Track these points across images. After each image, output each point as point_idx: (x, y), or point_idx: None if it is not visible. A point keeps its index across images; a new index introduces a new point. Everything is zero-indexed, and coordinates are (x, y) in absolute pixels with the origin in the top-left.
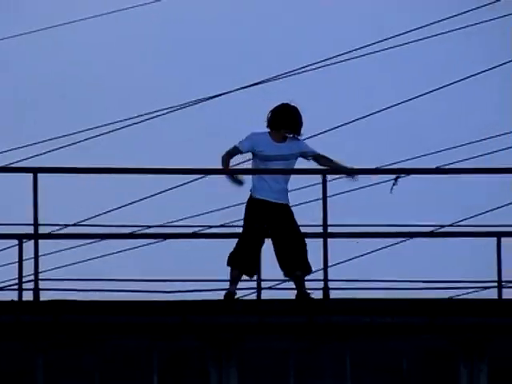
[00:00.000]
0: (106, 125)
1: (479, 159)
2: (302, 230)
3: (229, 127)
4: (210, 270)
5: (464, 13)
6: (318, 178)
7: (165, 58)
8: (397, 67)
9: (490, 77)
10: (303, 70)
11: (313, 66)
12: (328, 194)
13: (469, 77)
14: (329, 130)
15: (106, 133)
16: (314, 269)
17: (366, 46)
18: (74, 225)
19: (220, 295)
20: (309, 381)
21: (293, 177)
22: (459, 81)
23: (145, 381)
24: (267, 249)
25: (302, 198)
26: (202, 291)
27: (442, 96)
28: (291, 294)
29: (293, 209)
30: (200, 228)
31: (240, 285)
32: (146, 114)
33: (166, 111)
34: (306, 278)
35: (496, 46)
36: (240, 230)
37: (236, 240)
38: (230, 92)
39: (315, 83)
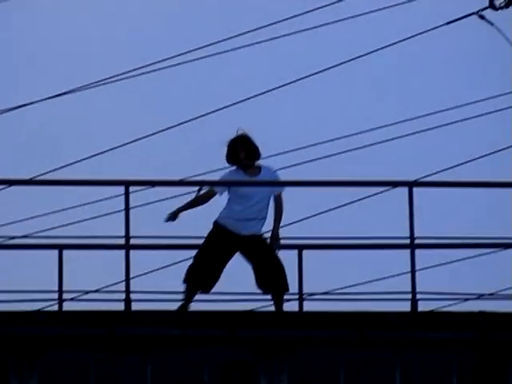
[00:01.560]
0: None
1: None
2: (104, 241)
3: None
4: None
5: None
6: None
7: None
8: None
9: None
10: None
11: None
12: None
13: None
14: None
15: None
16: (116, 280)
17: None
18: None
19: (22, 306)
20: None
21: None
22: None
23: None
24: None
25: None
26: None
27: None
28: (93, 306)
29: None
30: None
31: (41, 296)
32: None
33: None
34: None
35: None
36: None
37: None
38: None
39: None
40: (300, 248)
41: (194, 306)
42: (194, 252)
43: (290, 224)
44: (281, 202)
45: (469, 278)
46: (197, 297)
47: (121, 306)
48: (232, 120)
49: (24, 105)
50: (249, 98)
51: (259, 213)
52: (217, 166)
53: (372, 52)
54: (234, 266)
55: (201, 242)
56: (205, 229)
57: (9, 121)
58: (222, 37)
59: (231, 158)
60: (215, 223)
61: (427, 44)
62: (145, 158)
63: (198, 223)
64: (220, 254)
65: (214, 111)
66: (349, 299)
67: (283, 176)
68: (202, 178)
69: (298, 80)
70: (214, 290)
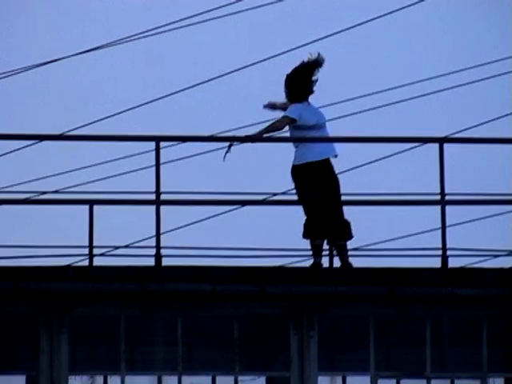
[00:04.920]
0: None
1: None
2: (136, 197)
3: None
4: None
5: None
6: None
7: None
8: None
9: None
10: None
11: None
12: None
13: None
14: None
15: None
16: (146, 235)
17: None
18: None
19: (53, 261)
20: (141, 347)
21: None
22: None
23: None
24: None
25: (136, 166)
26: (34, 257)
27: None
28: (124, 261)
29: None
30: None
31: (71, 251)
32: None
33: None
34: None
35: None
36: None
37: None
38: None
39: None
40: None
41: (224, 262)
42: (222, 208)
43: None
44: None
45: (499, 234)
46: (226, 252)
47: (151, 262)
48: (256, 78)
49: (54, 60)
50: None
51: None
52: (245, 121)
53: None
54: (263, 222)
55: (229, 197)
56: (233, 184)
57: (40, 76)
58: None
59: (304, 89)
60: (315, 163)
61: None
62: (175, 114)
63: (226, 179)
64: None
65: (238, 69)
66: (379, 255)
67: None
68: (232, 134)
69: (327, 36)
70: (244, 245)
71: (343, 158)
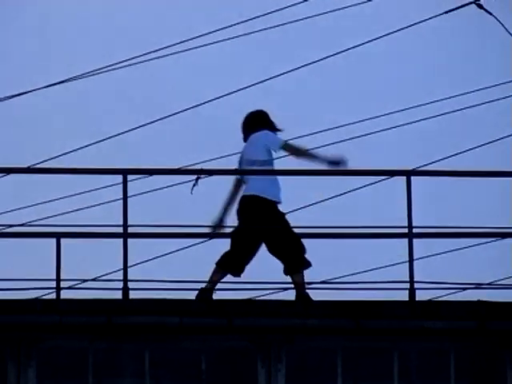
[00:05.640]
0: None
1: None
2: (103, 230)
3: None
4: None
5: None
6: None
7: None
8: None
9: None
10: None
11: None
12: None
13: None
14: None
15: None
16: (114, 268)
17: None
18: None
19: (20, 295)
20: (108, 380)
21: None
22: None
23: None
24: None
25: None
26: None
27: None
28: (91, 294)
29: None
30: None
31: (39, 284)
32: None
33: None
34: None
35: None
36: None
37: None
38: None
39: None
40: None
41: (191, 295)
42: (189, 241)
43: (290, 212)
44: None
45: (467, 267)
46: (194, 285)
47: (119, 295)
48: (225, 109)
49: (20, 94)
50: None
51: None
52: (213, 154)
53: (367, 42)
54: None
55: (197, 229)
56: (201, 217)
57: (6, 109)
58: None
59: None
60: (274, 202)
61: (425, 33)
62: (142, 147)
63: (194, 212)
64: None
65: (208, 101)
66: (347, 288)
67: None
68: (200, 167)
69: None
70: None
71: (312, 191)
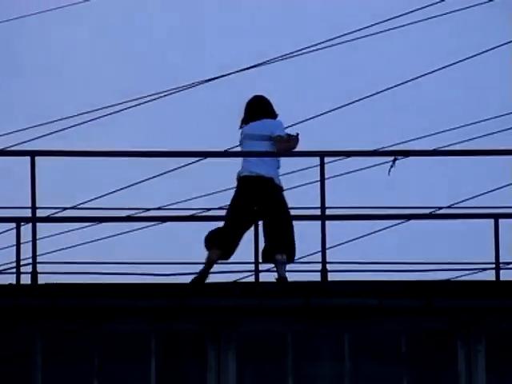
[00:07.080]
0: (103, 108)
1: (477, 141)
2: (301, 212)
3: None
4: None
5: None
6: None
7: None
8: (393, 49)
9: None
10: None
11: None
12: (326, 176)
13: (468, 58)
14: (326, 113)
15: (103, 116)
16: (312, 251)
17: (362, 29)
18: (72, 208)
19: (219, 278)
20: (307, 362)
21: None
22: (458, 62)
23: (143, 364)
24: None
25: (300, 181)
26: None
27: (441, 77)
28: (289, 276)
29: (290, 192)
30: (198, 211)
31: (237, 267)
32: (143, 97)
33: (163, 94)
34: (304, 259)
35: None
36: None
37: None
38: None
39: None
40: None
41: (389, 276)
42: (384, 223)
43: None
44: None
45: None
46: (392, 267)
47: (317, 277)
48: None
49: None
50: None
51: None
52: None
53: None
54: None
55: (392, 211)
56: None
57: None
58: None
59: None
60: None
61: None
62: (338, 130)
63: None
64: None
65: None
66: None
67: None
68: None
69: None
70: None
71: None
